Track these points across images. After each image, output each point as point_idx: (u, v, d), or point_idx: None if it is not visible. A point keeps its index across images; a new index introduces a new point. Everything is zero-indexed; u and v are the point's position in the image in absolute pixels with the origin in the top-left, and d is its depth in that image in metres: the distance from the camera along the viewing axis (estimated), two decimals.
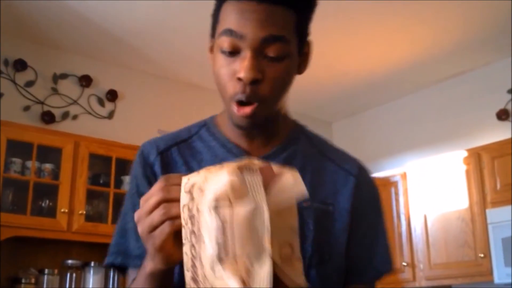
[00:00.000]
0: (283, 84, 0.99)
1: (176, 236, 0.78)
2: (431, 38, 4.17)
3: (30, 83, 4.06)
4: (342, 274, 1.06)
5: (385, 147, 5.26)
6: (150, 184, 1.03)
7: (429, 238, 4.29)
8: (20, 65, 4.02)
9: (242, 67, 0.93)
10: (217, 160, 1.03)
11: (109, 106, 4.42)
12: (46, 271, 3.67)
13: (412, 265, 4.38)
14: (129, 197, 1.08)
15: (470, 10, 3.79)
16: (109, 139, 4.03)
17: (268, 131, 1.06)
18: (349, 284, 1.08)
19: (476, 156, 4.11)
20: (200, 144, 1.09)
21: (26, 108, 4.01)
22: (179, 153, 1.07)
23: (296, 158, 1.08)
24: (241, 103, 0.97)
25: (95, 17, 3.84)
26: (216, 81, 1.00)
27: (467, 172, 4.13)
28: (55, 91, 4.18)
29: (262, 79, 0.95)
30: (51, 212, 3.66)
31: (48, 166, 3.73)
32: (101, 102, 4.38)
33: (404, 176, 4.59)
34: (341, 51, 4.37)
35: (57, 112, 4.14)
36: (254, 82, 0.94)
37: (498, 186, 3.95)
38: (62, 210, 3.63)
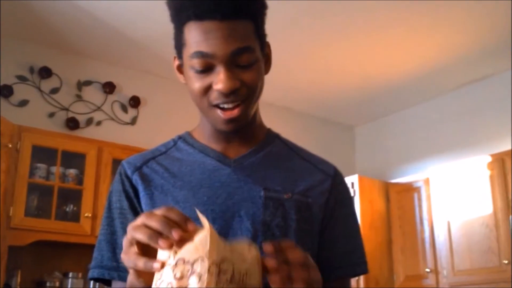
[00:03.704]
0: (259, 85, 1.06)
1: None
2: (453, 43, 4.14)
3: (55, 90, 4.14)
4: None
5: (408, 152, 5.22)
6: (128, 198, 1.11)
7: (453, 244, 4.25)
8: (45, 72, 4.09)
9: (219, 80, 1.00)
10: (196, 164, 1.11)
11: (132, 112, 4.47)
12: (71, 274, 3.73)
13: (436, 271, 4.34)
14: (106, 212, 1.13)
15: (493, 14, 3.76)
16: (132, 145, 4.08)
17: (245, 135, 1.13)
18: (325, 281, 1.12)
19: (500, 161, 4.06)
20: (179, 154, 1.16)
21: (51, 115, 4.09)
22: (158, 163, 1.14)
23: (272, 157, 1.15)
24: (225, 109, 1.04)
25: (118, 24, 3.89)
26: (192, 95, 1.07)
27: (491, 177, 4.08)
28: (79, 97, 4.24)
29: (240, 86, 1.02)
30: (75, 217, 3.72)
31: (72, 172, 3.79)
32: (124, 109, 4.43)
33: (427, 181, 4.55)
34: (363, 56, 4.36)
35: (81, 119, 4.20)
36: (233, 92, 1.02)
37: None
38: (86, 215, 3.68)
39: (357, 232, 1.20)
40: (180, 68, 1.12)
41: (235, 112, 1.03)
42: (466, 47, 4.21)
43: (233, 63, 1.01)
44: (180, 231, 0.78)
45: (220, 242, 0.79)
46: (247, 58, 1.02)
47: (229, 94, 1.01)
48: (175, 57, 1.12)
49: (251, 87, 1.04)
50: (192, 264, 0.76)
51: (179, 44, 1.06)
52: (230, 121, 1.04)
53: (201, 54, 1.00)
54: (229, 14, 0.99)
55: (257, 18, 1.05)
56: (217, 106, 1.04)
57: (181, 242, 0.78)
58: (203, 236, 0.77)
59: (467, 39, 4.09)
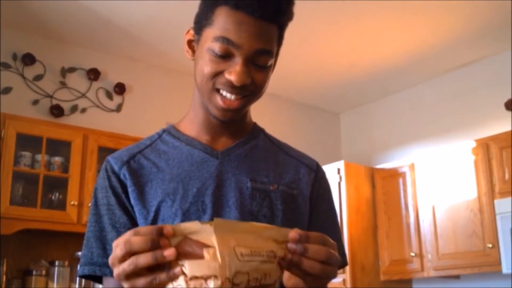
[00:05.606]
0: (265, 86, 1.11)
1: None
2: (438, 29, 4.15)
3: (38, 77, 4.09)
4: None
5: (393, 138, 5.25)
6: (115, 193, 1.10)
7: (437, 228, 4.29)
8: (29, 59, 4.05)
9: (234, 71, 1.03)
10: (183, 156, 1.13)
11: (117, 99, 4.44)
12: (57, 263, 3.71)
13: (421, 255, 4.39)
14: (92, 209, 1.13)
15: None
16: (118, 132, 4.06)
17: (234, 127, 1.16)
18: None
19: (484, 147, 4.10)
20: (164, 146, 1.17)
21: (35, 102, 4.05)
22: (145, 158, 1.14)
23: (258, 150, 1.18)
24: (226, 98, 1.06)
25: (102, 10, 3.85)
26: (199, 76, 1.07)
27: (476, 162, 4.12)
28: (63, 84, 4.20)
29: (250, 83, 1.06)
30: (61, 205, 3.70)
31: (57, 159, 3.76)
32: (109, 95, 4.40)
33: (412, 167, 4.58)
34: (349, 43, 4.36)
35: (65, 106, 4.17)
36: (242, 86, 1.05)
37: (507, 177, 3.93)
38: (72, 203, 3.66)
39: (337, 225, 1.24)
40: (191, 43, 1.13)
41: (235, 104, 1.07)
42: (450, 33, 4.21)
43: (251, 60, 1.05)
44: (168, 250, 0.77)
45: (232, 254, 0.77)
46: (265, 60, 1.06)
47: (238, 88, 1.04)
48: (189, 30, 1.14)
49: (259, 87, 1.08)
50: (206, 280, 0.77)
51: (203, 22, 1.08)
52: (227, 110, 1.07)
53: (227, 41, 1.02)
54: (266, 15, 1.03)
55: (283, 26, 1.10)
56: (218, 91, 1.06)
57: (186, 256, 0.78)
58: (213, 252, 0.77)
59: (451, 25, 4.10)
